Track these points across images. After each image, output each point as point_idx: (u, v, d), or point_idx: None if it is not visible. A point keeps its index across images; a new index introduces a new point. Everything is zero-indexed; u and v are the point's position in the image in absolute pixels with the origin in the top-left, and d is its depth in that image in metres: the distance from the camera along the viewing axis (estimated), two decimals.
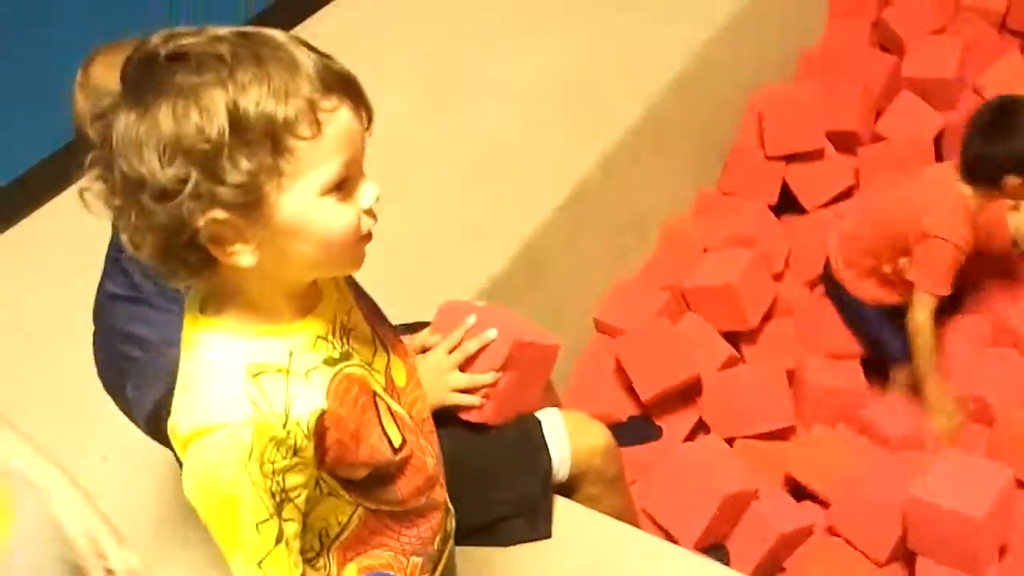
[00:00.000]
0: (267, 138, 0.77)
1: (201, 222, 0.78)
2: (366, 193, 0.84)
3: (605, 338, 2.46)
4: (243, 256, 0.81)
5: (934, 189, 2.19)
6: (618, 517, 1.62)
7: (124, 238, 0.82)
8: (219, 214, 0.78)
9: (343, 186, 0.82)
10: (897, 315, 2.27)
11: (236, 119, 0.76)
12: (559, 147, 2.47)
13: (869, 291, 2.35)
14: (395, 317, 1.12)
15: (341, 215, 0.82)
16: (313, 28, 2.87)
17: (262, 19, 2.81)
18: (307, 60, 0.79)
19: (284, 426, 0.86)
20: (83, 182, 0.82)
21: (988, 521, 1.74)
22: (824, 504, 2.11)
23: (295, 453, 0.87)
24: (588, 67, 2.71)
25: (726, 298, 2.38)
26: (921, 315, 2.15)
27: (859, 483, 1.99)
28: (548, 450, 1.49)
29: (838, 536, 2.00)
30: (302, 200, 0.80)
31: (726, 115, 2.92)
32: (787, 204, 2.82)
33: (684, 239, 2.69)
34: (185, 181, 0.76)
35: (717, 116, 2.90)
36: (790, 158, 2.79)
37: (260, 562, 0.89)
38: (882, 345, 2.37)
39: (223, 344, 0.87)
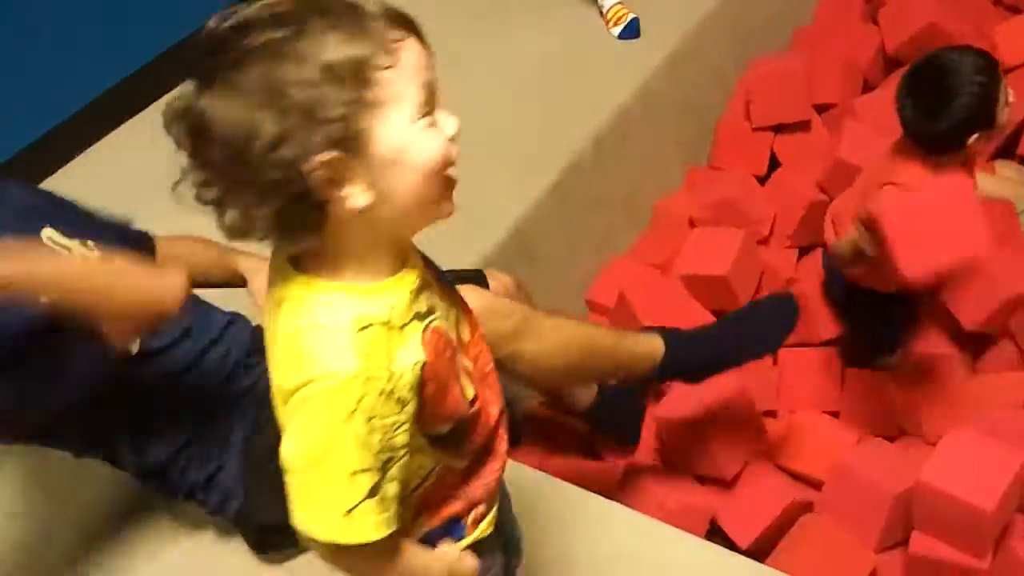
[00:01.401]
0: (354, 75, 0.82)
1: (313, 167, 0.82)
2: (449, 122, 0.89)
3: (598, 317, 2.47)
4: (356, 197, 0.84)
5: (893, 163, 2.03)
6: (567, 353, 1.66)
7: (231, 226, 0.85)
8: (327, 155, 0.82)
9: (429, 113, 0.87)
10: (893, 302, 2.21)
11: (322, 65, 0.81)
12: (551, 126, 2.47)
13: (860, 274, 2.24)
14: None
15: (432, 140, 0.87)
16: None
17: None
18: (364, 2, 0.85)
19: (390, 380, 0.88)
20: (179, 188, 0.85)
21: (997, 511, 1.73)
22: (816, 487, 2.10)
23: (401, 408, 0.89)
24: (579, 46, 2.72)
25: (718, 286, 2.40)
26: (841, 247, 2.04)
27: (848, 467, 1.97)
28: None
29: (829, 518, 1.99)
30: (397, 128, 0.85)
31: (718, 93, 2.93)
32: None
33: (675, 217, 2.71)
34: (289, 132, 0.80)
35: (709, 94, 2.91)
36: (777, 129, 2.81)
37: (349, 511, 0.89)
38: (874, 335, 2.33)
39: (329, 300, 0.89)
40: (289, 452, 0.89)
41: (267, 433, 1.53)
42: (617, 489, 2.07)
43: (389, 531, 0.92)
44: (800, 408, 2.30)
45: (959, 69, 1.88)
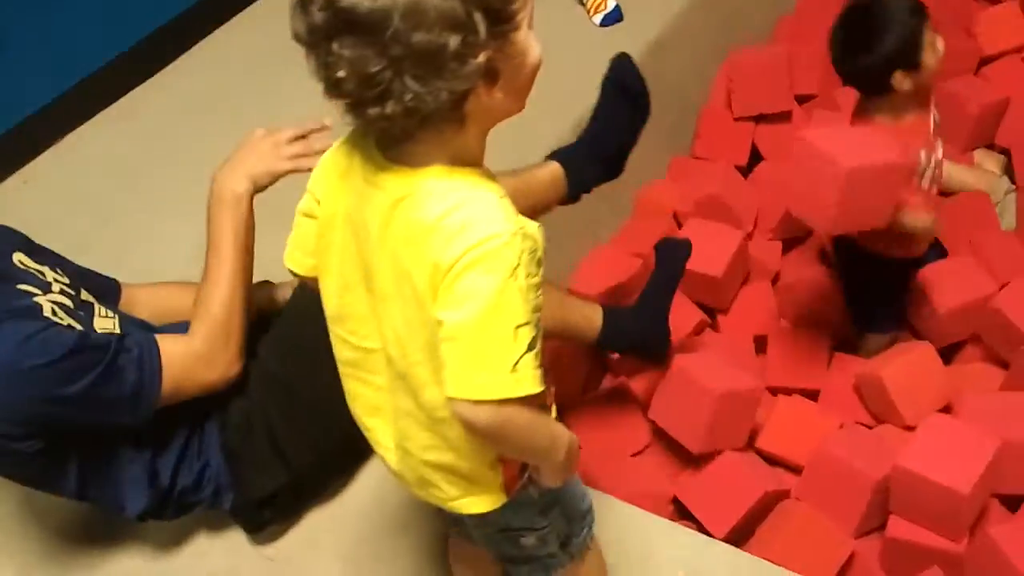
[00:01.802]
0: None
1: (481, 60, 0.92)
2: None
3: None
4: (496, 90, 0.97)
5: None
6: None
7: (390, 115, 0.92)
8: (491, 49, 0.92)
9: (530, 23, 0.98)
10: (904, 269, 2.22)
11: None
12: (531, 113, 2.46)
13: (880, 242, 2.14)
14: None
15: (536, 44, 0.99)
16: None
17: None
18: None
19: (534, 239, 0.98)
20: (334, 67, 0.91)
21: (973, 495, 1.75)
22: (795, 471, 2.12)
23: (539, 269, 0.99)
24: (561, 33, 2.71)
25: (710, 285, 2.41)
26: (917, 223, 2.01)
27: (829, 453, 1.98)
28: None
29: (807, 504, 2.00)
30: (523, 31, 0.97)
31: (700, 82, 2.93)
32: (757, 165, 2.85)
33: (658, 207, 2.72)
34: (473, 29, 0.90)
35: (691, 83, 2.91)
36: (758, 119, 2.82)
37: (515, 364, 0.96)
38: (871, 311, 2.32)
39: (466, 180, 0.99)
40: (457, 319, 0.95)
41: (237, 409, 1.55)
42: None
43: (544, 386, 0.99)
44: (782, 382, 2.31)
45: (887, 6, 1.95)
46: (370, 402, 1.18)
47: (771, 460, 2.16)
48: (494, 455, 1.11)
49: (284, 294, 1.74)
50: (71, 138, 2.67)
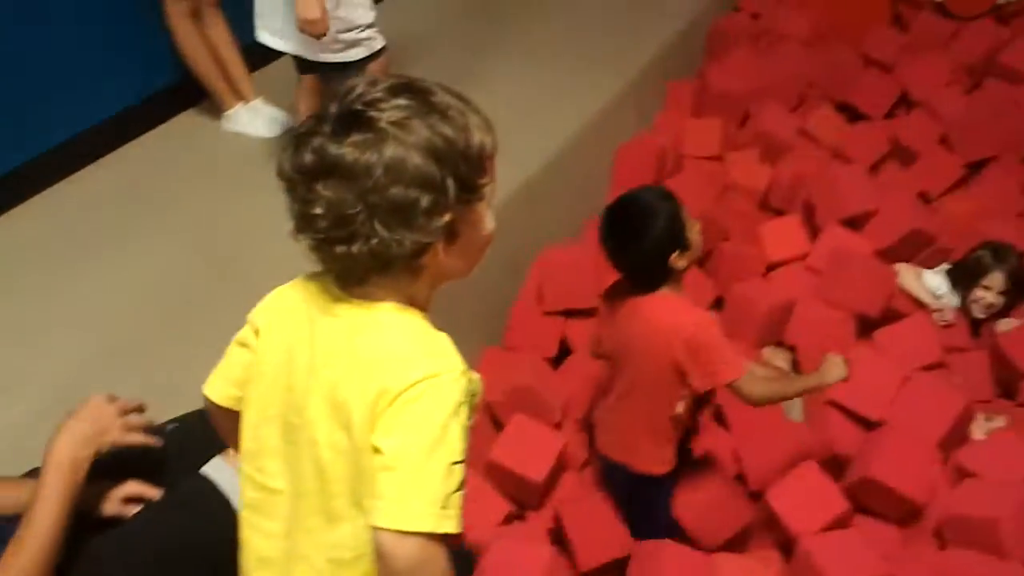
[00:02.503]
0: (491, 158, 1.07)
1: (446, 220, 1.02)
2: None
3: None
4: (450, 251, 1.05)
5: (652, 310, 2.10)
6: None
7: (355, 255, 1.00)
8: (452, 214, 1.02)
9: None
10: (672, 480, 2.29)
11: (478, 144, 1.04)
12: None
13: (648, 456, 2.22)
14: None
15: (491, 219, 1.10)
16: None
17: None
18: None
19: (471, 382, 1.04)
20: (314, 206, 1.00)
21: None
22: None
23: (471, 413, 1.03)
24: None
25: (527, 487, 2.44)
26: (754, 391, 2.07)
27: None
28: (229, 502, 1.46)
29: None
30: (485, 202, 1.08)
31: (514, 277, 3.04)
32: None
33: None
34: (445, 191, 1.00)
35: (505, 278, 3.01)
36: (567, 314, 2.95)
37: (446, 499, 0.98)
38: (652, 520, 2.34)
39: (419, 320, 1.07)
40: (397, 446, 0.98)
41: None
42: None
43: (460, 529, 1.00)
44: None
45: (642, 199, 2.10)
46: (260, 552, 1.16)
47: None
48: None
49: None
50: None
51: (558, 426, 2.69)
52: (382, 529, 0.97)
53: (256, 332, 1.15)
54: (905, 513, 2.33)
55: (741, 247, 3.22)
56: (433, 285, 1.10)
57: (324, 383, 1.05)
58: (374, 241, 0.99)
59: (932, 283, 3.04)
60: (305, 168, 0.99)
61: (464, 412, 1.00)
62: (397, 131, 0.98)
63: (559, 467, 2.52)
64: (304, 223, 1.01)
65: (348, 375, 1.03)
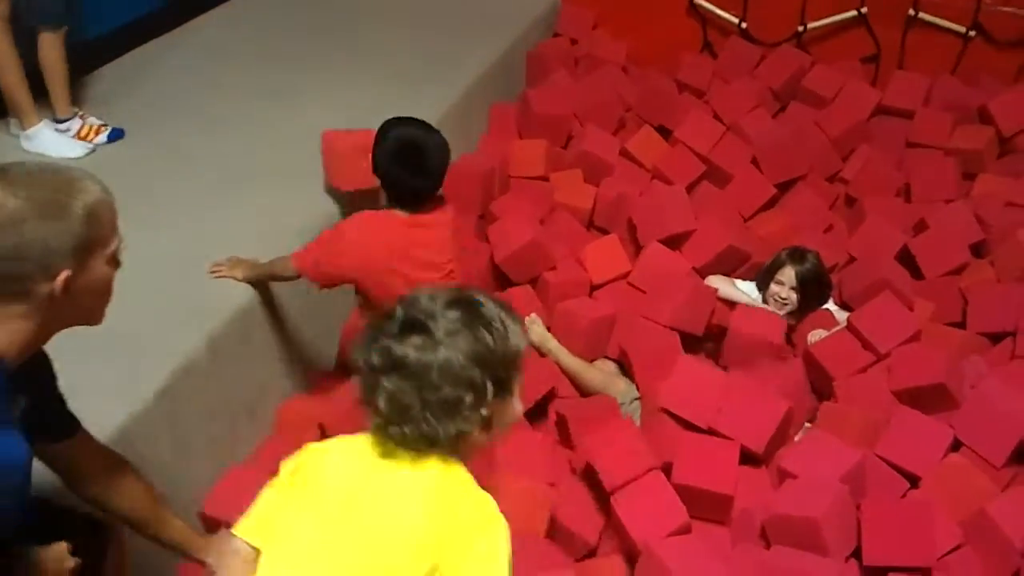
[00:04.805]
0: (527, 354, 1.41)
1: (489, 410, 1.33)
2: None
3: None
4: (488, 436, 1.38)
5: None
6: None
7: (420, 433, 1.31)
8: (497, 403, 1.35)
9: None
10: None
11: (515, 349, 1.36)
12: (162, 327, 2.36)
13: None
14: None
15: (520, 404, 1.43)
16: None
17: None
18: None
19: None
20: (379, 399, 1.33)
21: None
22: None
23: None
24: (195, 245, 2.66)
25: None
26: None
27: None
28: None
29: None
30: (516, 395, 1.39)
31: (343, 298, 2.97)
32: None
33: (303, 420, 2.65)
34: (487, 381, 1.31)
35: (338, 296, 2.94)
36: None
37: None
38: None
39: (462, 470, 1.39)
40: (504, 550, 1.34)
41: None
42: None
43: None
44: None
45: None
46: None
47: None
48: None
49: None
50: None
51: None
52: None
53: (293, 473, 1.46)
54: (721, 510, 2.42)
55: (565, 275, 3.27)
56: (471, 458, 1.39)
57: (370, 520, 1.35)
58: (425, 428, 1.30)
59: (745, 288, 3.22)
60: (375, 366, 1.31)
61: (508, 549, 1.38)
62: (449, 340, 1.28)
63: None
64: (370, 406, 1.33)
65: (402, 514, 1.35)
